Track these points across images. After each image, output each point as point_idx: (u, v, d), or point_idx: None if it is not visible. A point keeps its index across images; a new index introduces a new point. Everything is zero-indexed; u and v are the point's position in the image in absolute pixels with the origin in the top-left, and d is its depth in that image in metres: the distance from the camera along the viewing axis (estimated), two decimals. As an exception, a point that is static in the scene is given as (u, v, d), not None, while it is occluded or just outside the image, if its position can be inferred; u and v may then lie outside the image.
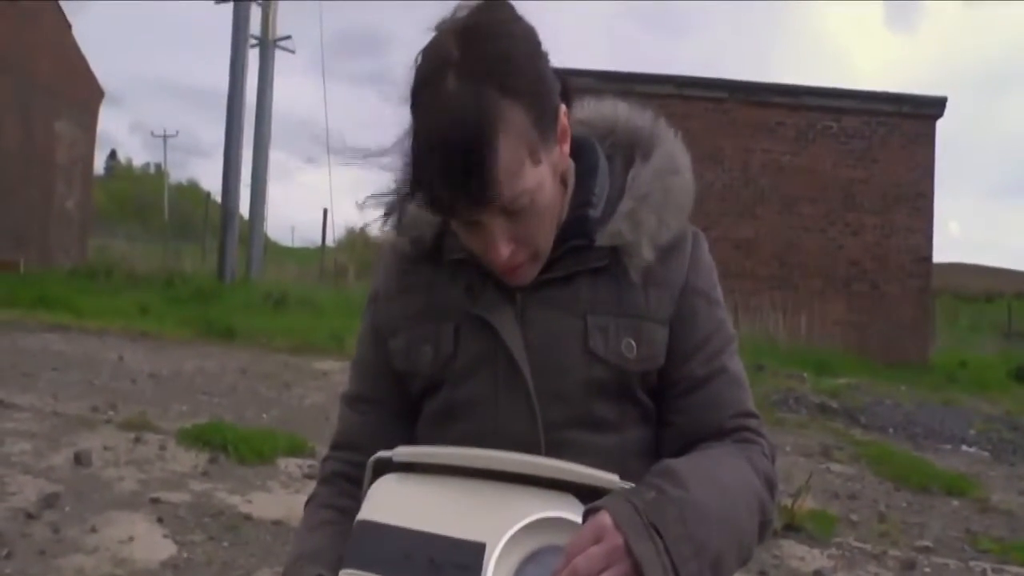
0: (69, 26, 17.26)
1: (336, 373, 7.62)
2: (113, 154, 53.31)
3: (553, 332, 1.01)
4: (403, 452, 0.97)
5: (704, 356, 1.06)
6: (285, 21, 16.14)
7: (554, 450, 0.99)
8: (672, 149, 1.09)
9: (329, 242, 20.09)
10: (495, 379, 1.01)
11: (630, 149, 1.11)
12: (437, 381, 1.05)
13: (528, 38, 0.95)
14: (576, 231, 1.03)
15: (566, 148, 1.02)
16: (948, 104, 14.13)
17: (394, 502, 0.93)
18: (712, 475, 0.93)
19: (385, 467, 0.97)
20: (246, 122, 14.26)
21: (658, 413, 1.08)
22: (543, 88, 0.94)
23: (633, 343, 1.01)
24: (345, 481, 1.10)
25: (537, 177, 0.93)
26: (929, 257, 14.01)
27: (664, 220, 1.04)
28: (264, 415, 5.53)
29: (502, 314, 1.02)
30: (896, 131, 13.94)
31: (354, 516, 0.97)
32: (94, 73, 18.06)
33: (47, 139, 16.04)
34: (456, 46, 0.90)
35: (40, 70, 15.65)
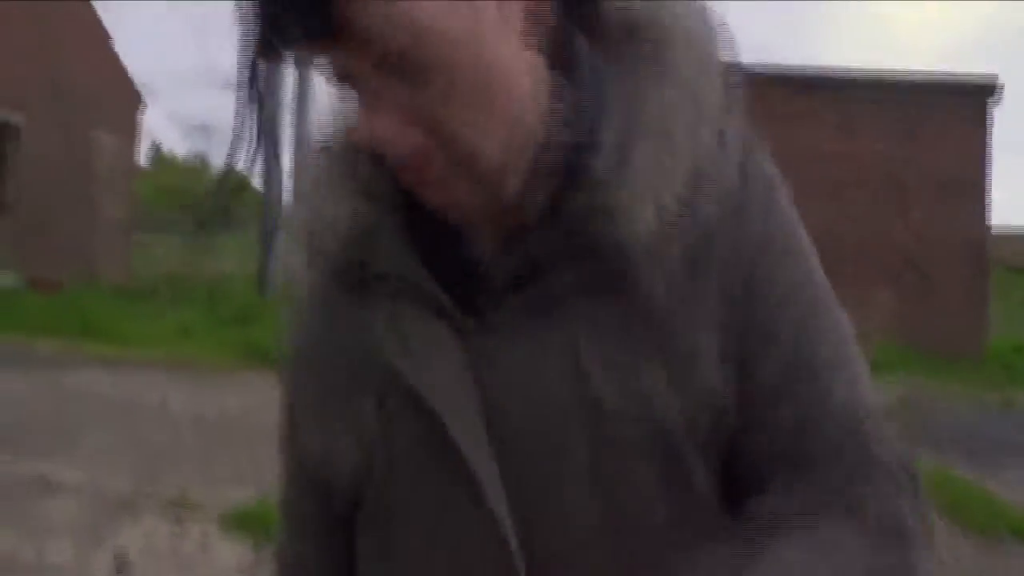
0: (109, 36, 17.37)
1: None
2: (156, 147, 54.19)
3: (535, 390, 0.62)
4: None
5: (783, 351, 0.64)
6: None
7: None
8: (702, 47, 0.65)
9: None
10: (442, 491, 0.65)
11: (623, 41, 0.67)
12: (363, 494, 0.71)
13: None
14: (574, 205, 0.61)
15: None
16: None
17: None
18: None
19: None
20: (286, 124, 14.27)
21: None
22: None
23: (665, 384, 0.62)
24: None
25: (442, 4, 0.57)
26: (984, 244, 13.57)
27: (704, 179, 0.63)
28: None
29: (443, 369, 0.63)
30: (948, 114, 13.46)
31: None
32: (133, 81, 18.19)
33: (88, 151, 16.21)
34: None
35: (80, 82, 15.78)
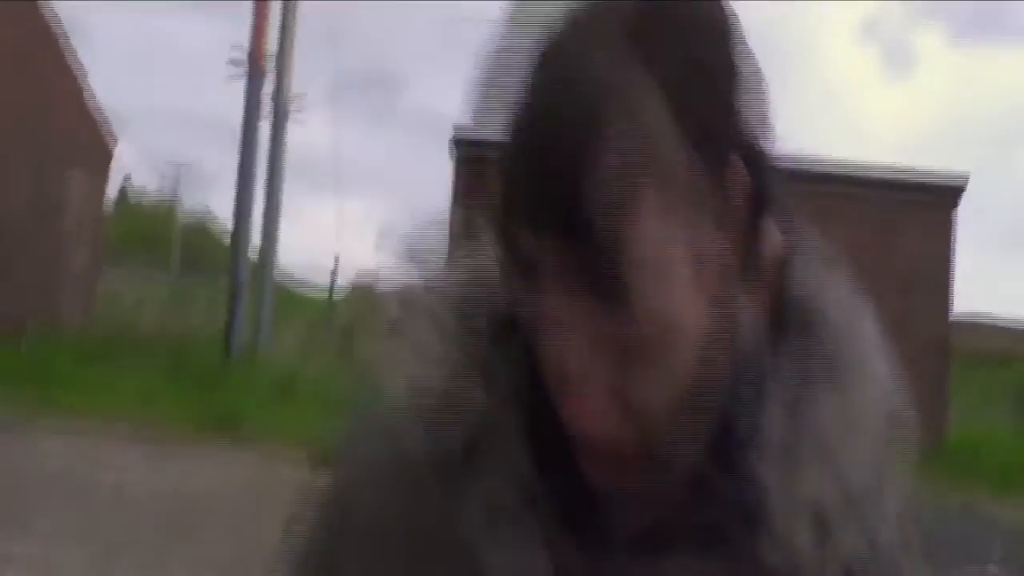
0: (84, 76, 17.29)
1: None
2: (126, 186, 53.63)
3: None
4: None
5: None
6: (299, 49, 15.82)
7: None
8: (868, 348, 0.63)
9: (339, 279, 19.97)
10: None
11: (795, 332, 0.62)
12: None
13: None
14: (723, 494, 0.58)
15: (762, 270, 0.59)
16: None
17: None
18: None
19: None
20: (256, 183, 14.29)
21: None
22: (724, 93, 0.55)
23: None
24: None
25: (666, 237, 0.53)
26: (947, 340, 13.83)
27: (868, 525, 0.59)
28: None
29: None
30: (915, 212, 13.81)
31: None
32: (108, 123, 18.09)
33: (59, 196, 16.02)
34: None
35: (54, 126, 15.67)
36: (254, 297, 14.54)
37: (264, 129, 14.41)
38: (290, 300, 24.90)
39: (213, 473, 7.46)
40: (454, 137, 15.86)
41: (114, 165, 18.95)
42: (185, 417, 9.40)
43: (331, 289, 20.61)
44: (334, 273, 20.17)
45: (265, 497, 6.90)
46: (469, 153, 15.67)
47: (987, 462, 12.99)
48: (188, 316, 19.81)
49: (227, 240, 16.88)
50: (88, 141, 17.14)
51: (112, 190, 21.09)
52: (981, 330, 27.66)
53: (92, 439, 8.23)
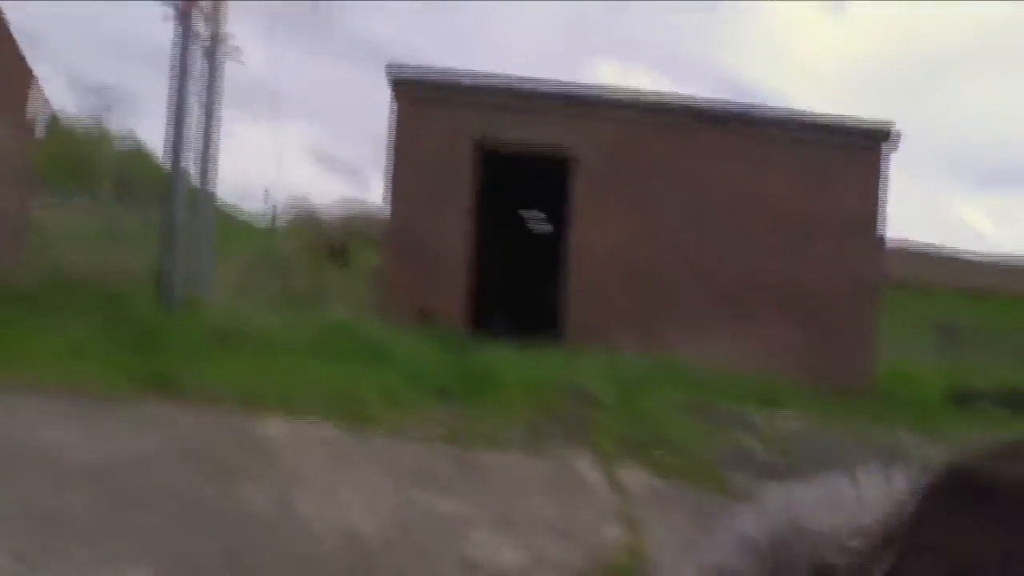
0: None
1: (284, 449, 7.48)
2: (52, 115, 50.96)
3: None
4: None
5: None
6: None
7: None
8: None
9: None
10: None
11: None
12: None
13: None
14: None
15: None
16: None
17: None
18: None
19: None
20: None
21: None
22: None
23: None
24: None
25: None
26: (878, 285, 14.24)
27: None
28: (207, 545, 5.35)
29: None
30: (848, 158, 14.06)
31: None
32: (25, 59, 17.17)
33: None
34: None
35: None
36: (191, 238, 14.18)
37: (198, 58, 13.84)
38: (229, 229, 24.27)
39: (152, 435, 7.36)
40: (391, 69, 15.50)
41: (36, 96, 18.03)
42: (120, 373, 9.20)
43: (270, 216, 20.23)
44: (272, 199, 19.78)
45: (199, 461, 6.88)
46: (407, 83, 15.39)
47: (913, 397, 13.56)
48: (122, 253, 19.25)
49: (161, 167, 16.29)
50: (7, 74, 16.26)
51: (37, 122, 20.10)
52: (906, 258, 28.36)
53: (22, 398, 8.02)
